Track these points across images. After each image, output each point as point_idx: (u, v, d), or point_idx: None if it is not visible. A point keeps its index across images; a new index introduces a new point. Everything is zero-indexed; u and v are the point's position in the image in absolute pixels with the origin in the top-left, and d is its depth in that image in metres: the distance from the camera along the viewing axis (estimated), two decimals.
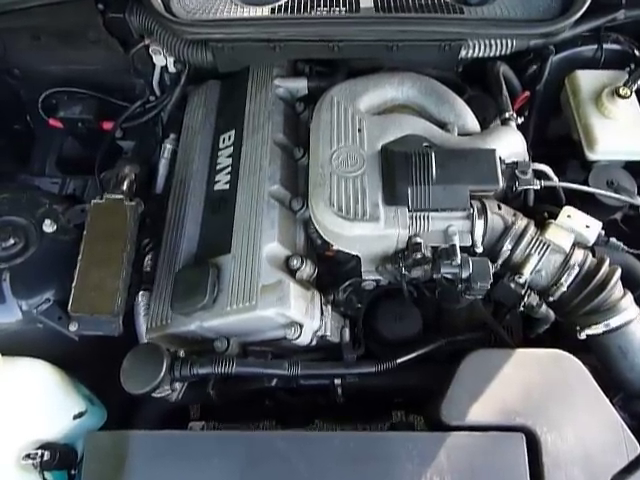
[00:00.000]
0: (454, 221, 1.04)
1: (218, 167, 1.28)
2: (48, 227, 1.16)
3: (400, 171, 1.05)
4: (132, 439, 0.95)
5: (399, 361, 1.07)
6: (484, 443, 0.91)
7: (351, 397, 1.17)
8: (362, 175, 1.07)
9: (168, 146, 1.43)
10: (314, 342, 1.09)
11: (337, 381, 1.12)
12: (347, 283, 1.12)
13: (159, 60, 1.44)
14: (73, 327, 1.07)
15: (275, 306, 1.01)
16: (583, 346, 1.05)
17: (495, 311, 1.21)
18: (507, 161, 1.11)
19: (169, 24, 1.26)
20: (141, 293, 1.19)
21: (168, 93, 1.49)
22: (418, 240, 1.02)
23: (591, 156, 1.28)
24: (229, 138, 1.31)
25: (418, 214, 1.03)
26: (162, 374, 0.97)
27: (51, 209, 1.20)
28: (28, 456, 0.97)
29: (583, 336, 1.02)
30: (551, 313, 1.07)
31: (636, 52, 1.40)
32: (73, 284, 1.07)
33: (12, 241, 1.15)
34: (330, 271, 1.17)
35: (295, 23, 1.26)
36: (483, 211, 1.05)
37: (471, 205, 1.04)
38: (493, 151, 1.08)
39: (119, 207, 1.15)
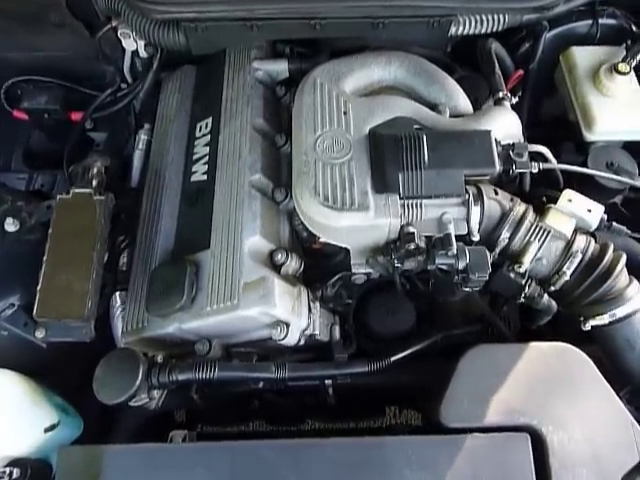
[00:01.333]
0: (449, 208, 0.98)
1: (195, 157, 1.20)
2: (10, 226, 1.08)
3: (390, 156, 0.98)
4: (107, 454, 0.88)
5: (393, 359, 1.02)
6: (487, 445, 0.86)
7: (343, 396, 1.12)
8: (349, 161, 1.01)
9: (142, 137, 1.36)
10: (302, 342, 1.03)
11: (328, 381, 1.06)
12: (336, 277, 1.06)
13: (129, 44, 1.35)
14: (40, 334, 1.00)
15: (259, 305, 0.95)
16: (584, 336, 1.00)
17: (492, 302, 1.16)
18: (502, 143, 1.05)
19: (137, 3, 1.18)
20: (117, 294, 1.13)
21: (140, 80, 1.41)
22: (411, 229, 0.96)
23: (589, 137, 1.23)
24: (206, 126, 1.23)
25: (410, 202, 0.97)
26: (138, 382, 0.92)
27: (14, 206, 1.12)
28: None
29: (588, 327, 0.98)
30: (553, 304, 1.02)
31: (633, 27, 1.34)
32: (38, 287, 1.00)
33: None
34: (317, 265, 1.10)
35: (274, 0, 1.17)
36: (479, 197, 1.00)
37: (466, 191, 0.99)
38: (488, 132, 1.02)
39: (87, 202, 1.07)
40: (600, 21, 1.33)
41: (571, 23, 1.34)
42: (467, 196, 0.98)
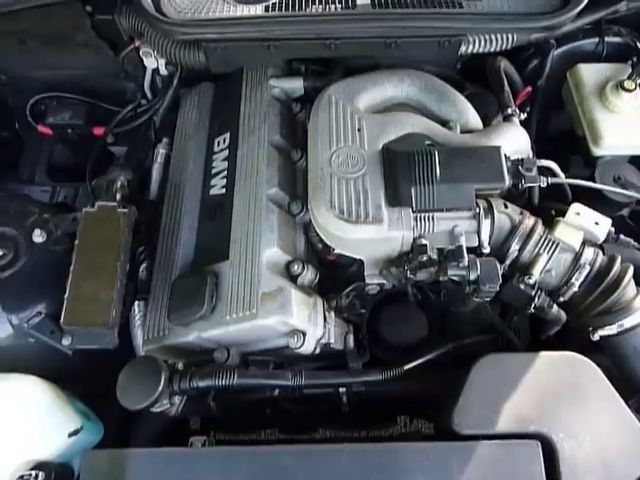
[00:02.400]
0: (460, 221, 1.01)
1: (213, 171, 1.24)
2: (38, 237, 1.12)
3: (403, 171, 1.01)
4: (130, 457, 0.91)
5: (406, 368, 1.04)
6: (498, 452, 0.87)
7: (355, 405, 1.14)
8: (363, 176, 1.04)
9: (161, 151, 1.40)
10: (317, 350, 1.06)
11: (342, 389, 1.09)
12: (350, 288, 1.09)
13: (150, 62, 1.40)
14: (66, 341, 1.03)
15: (276, 314, 0.98)
16: (593, 346, 1.02)
17: (502, 312, 1.18)
18: (512, 158, 1.08)
19: (160, 24, 1.22)
20: (137, 303, 1.16)
21: (160, 96, 1.46)
22: (423, 242, 0.98)
23: (596, 151, 1.25)
24: (224, 141, 1.27)
25: (422, 215, 1.00)
26: (160, 388, 0.94)
27: (41, 218, 1.16)
28: (22, 478, 0.93)
29: (596, 337, 0.99)
30: (562, 314, 1.03)
31: (638, 44, 1.37)
32: (65, 296, 1.03)
33: (0, 252, 1.11)
34: (332, 276, 1.13)
35: (290, 21, 1.22)
36: (489, 210, 1.02)
37: (477, 204, 1.01)
38: (498, 148, 1.05)
39: (111, 215, 1.11)
40: (606, 39, 1.36)
41: (578, 41, 1.37)
42: (478, 210, 1.00)
